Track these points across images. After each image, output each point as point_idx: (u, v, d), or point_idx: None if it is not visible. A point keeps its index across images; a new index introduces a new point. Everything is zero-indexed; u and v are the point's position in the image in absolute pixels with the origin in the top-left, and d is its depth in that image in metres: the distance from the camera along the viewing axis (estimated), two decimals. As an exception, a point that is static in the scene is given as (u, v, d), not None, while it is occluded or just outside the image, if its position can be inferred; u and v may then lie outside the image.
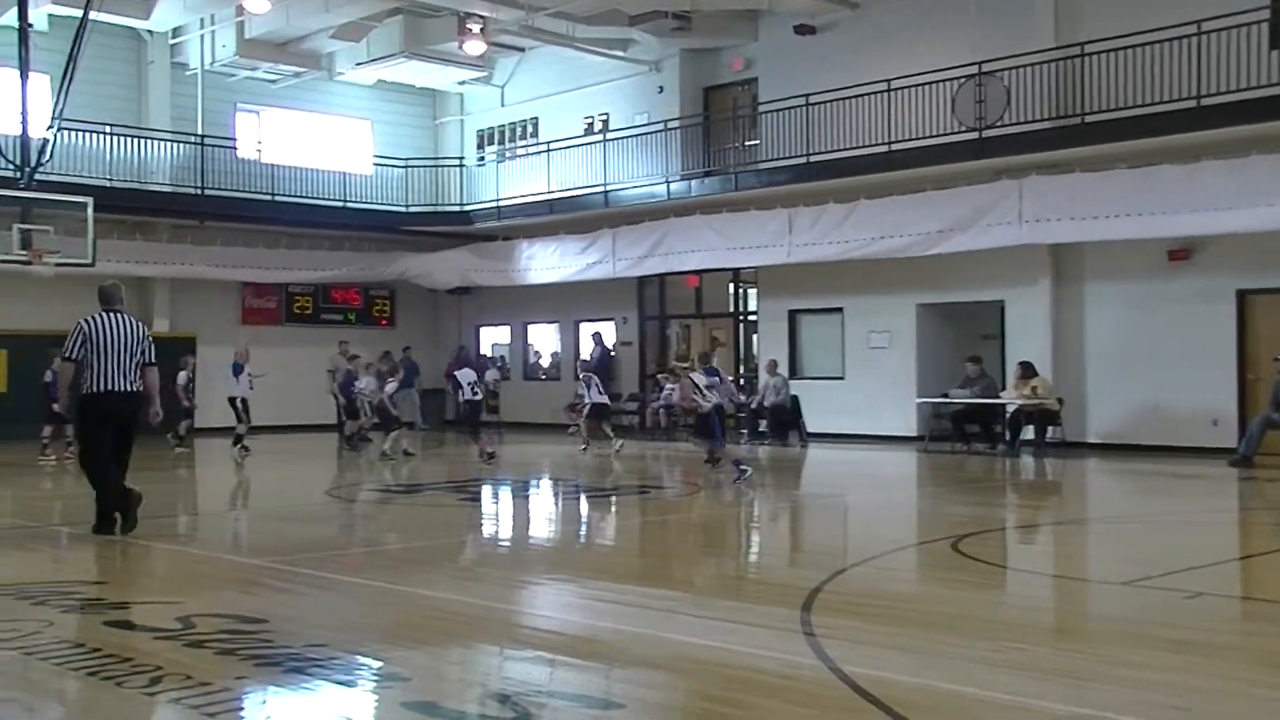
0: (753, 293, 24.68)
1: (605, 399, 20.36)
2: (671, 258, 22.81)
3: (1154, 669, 5.51)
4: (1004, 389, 19.23)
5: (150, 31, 24.68)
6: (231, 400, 20.00)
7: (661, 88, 24.96)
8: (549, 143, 25.72)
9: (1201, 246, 17.88)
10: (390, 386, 19.60)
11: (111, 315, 9.84)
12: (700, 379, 15.09)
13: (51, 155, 19.00)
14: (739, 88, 24.37)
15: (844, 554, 10.03)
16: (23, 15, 18.49)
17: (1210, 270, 17.98)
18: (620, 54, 24.92)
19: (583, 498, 14.27)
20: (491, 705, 4.92)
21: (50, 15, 21.86)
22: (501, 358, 29.09)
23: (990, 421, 19.46)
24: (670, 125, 23.69)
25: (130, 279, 23.22)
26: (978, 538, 10.16)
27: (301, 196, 25.68)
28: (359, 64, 25.63)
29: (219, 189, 24.52)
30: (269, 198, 25.17)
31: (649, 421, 24.72)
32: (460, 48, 24.18)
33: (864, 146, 20.25)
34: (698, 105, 24.77)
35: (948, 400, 19.87)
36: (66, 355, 9.75)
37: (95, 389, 9.65)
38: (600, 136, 25.05)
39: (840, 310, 22.41)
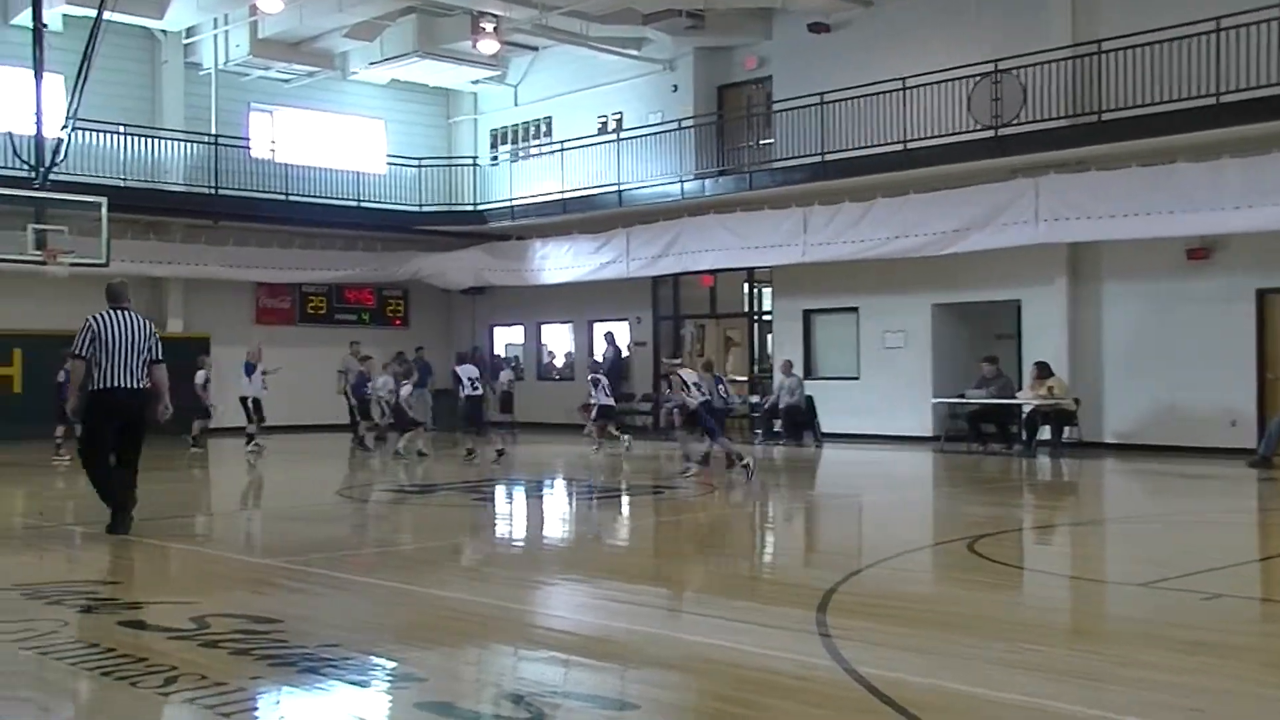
0: (767, 292, 24.62)
1: (611, 400, 20.36)
2: (685, 257, 22.76)
3: (1169, 670, 5.47)
4: (1020, 389, 19.14)
5: (164, 31, 24.73)
6: (243, 400, 20.03)
7: (676, 86, 24.92)
8: (563, 142, 25.71)
9: (1221, 245, 17.75)
10: (406, 389, 19.59)
11: (119, 313, 9.90)
12: (689, 376, 15.27)
13: (66, 155, 19.09)
14: (753, 86, 24.30)
15: (859, 555, 9.97)
16: (37, 15, 18.56)
17: (1229, 269, 17.84)
18: (634, 53, 24.88)
19: (596, 498, 14.23)
20: (506, 706, 4.89)
21: (64, 15, 21.94)
22: (515, 358, 29.08)
23: (1006, 422, 19.36)
24: (684, 124, 23.65)
25: (144, 279, 23.41)
26: (994, 538, 10.10)
27: (315, 196, 25.71)
28: (372, 63, 25.65)
29: (233, 189, 24.56)
30: (283, 197, 25.22)
31: (663, 421, 24.66)
32: (474, 47, 24.14)
33: (879, 145, 20.19)
34: (712, 104, 24.72)
35: (963, 400, 19.78)
36: (75, 352, 9.82)
37: (101, 385, 9.73)
38: (614, 136, 25.02)
39: (855, 310, 22.33)
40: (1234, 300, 17.73)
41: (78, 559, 9.39)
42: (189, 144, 24.66)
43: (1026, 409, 18.77)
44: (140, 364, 9.84)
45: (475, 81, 27.73)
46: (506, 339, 29.77)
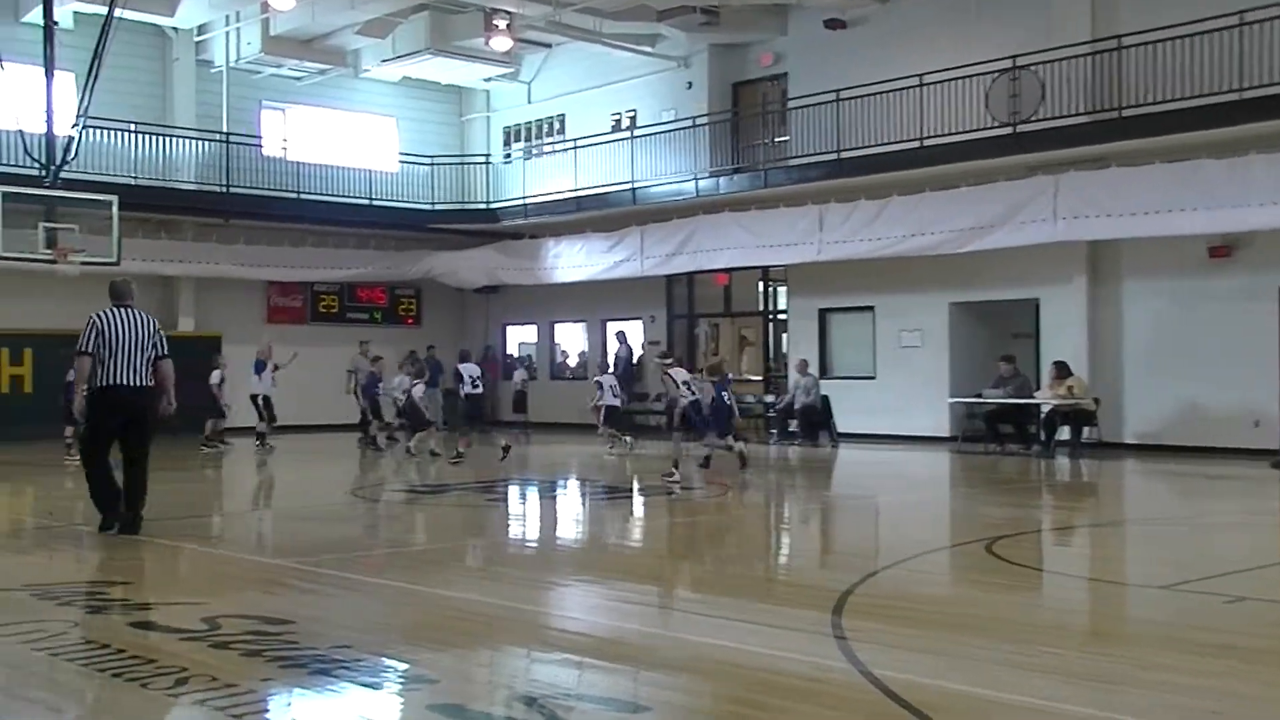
0: (782, 291, 24.50)
1: (617, 401, 20.29)
2: (700, 256, 22.66)
3: (1189, 674, 5.39)
4: (1038, 389, 18.96)
5: (175, 29, 24.74)
6: (253, 398, 19.97)
7: (690, 83, 24.81)
8: (576, 140, 25.62)
9: (1244, 243, 17.55)
10: (418, 389, 19.51)
11: (122, 310, 9.90)
12: (681, 374, 15.24)
13: (76, 153, 19.07)
14: (768, 83, 24.18)
15: (875, 556, 9.86)
16: (48, 13, 18.57)
17: (1252, 267, 17.63)
18: (648, 50, 24.79)
19: (609, 498, 14.13)
20: (518, 708, 4.85)
21: (75, 13, 21.95)
22: (529, 357, 29.01)
23: (1024, 422, 19.19)
24: (699, 121, 23.55)
25: (155, 278, 23.37)
26: (1012, 540, 9.98)
27: (327, 194, 25.68)
28: (384, 61, 25.63)
29: (244, 187, 24.54)
30: (294, 196, 25.19)
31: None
32: (486, 44, 24.07)
33: (896, 142, 20.06)
34: (726, 101, 24.61)
35: (981, 400, 19.62)
36: (81, 349, 9.81)
37: (104, 382, 9.73)
38: (628, 133, 24.94)
39: (871, 309, 22.20)
40: (1257, 298, 17.50)
41: (87, 559, 9.33)
42: (200, 142, 24.64)
43: (1045, 409, 18.60)
44: (144, 361, 9.83)
45: (488, 79, 27.68)
46: (519, 338, 29.72)
